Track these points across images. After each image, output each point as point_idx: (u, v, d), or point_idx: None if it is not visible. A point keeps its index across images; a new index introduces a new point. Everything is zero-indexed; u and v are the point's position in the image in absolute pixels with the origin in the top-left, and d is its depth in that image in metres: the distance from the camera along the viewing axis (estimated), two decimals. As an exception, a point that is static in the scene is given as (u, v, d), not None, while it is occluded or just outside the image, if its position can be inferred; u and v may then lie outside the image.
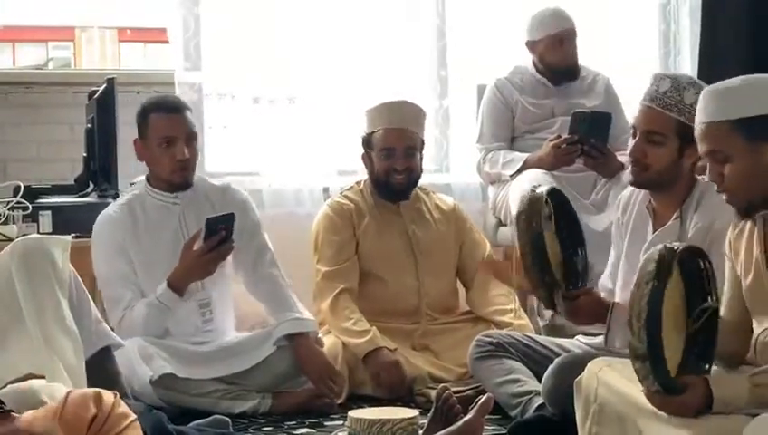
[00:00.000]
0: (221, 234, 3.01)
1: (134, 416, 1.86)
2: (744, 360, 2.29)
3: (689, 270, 2.11)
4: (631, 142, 2.66)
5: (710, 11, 4.64)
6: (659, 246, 2.13)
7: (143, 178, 3.25)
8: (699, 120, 2.24)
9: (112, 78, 3.52)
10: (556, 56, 3.90)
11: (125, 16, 4.54)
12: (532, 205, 2.58)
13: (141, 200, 3.16)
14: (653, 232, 2.69)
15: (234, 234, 3.06)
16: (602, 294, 2.79)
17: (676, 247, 2.09)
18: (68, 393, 1.80)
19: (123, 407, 1.83)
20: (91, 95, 3.58)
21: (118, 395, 1.86)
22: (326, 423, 2.96)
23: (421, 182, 3.48)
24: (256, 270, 3.19)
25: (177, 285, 3.01)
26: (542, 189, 2.65)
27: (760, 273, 2.22)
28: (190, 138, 3.09)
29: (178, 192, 3.14)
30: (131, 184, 3.42)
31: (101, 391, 1.84)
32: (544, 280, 2.59)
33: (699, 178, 2.69)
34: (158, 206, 3.16)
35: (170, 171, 3.07)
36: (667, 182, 2.65)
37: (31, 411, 1.73)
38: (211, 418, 2.75)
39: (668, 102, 2.59)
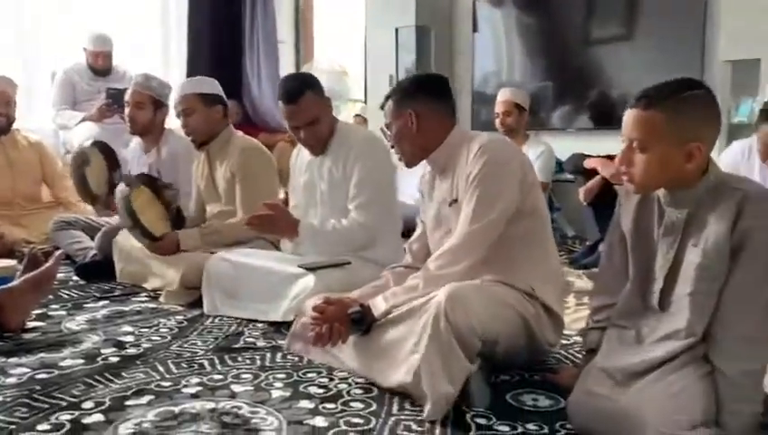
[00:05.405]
0: None
1: None
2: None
3: (149, 180, 3.01)
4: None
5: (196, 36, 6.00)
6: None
7: None
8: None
9: None
10: (90, 61, 4.99)
11: None
12: (78, 155, 3.45)
13: None
14: None
15: None
16: None
17: (135, 175, 3.01)
18: None
19: None
20: None
21: None
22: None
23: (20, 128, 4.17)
24: None
25: None
26: (86, 144, 3.45)
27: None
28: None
29: None
30: None
31: None
32: (92, 199, 3.49)
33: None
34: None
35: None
36: None
37: None
38: None
39: (144, 84, 3.40)
